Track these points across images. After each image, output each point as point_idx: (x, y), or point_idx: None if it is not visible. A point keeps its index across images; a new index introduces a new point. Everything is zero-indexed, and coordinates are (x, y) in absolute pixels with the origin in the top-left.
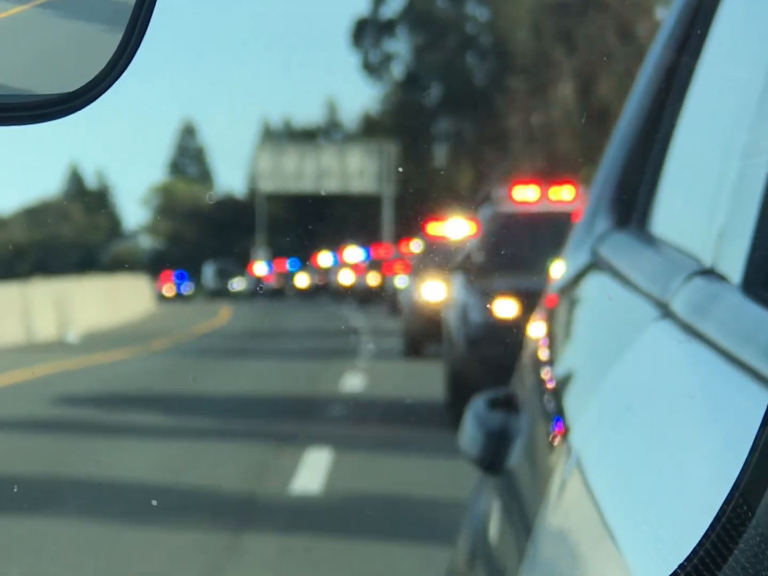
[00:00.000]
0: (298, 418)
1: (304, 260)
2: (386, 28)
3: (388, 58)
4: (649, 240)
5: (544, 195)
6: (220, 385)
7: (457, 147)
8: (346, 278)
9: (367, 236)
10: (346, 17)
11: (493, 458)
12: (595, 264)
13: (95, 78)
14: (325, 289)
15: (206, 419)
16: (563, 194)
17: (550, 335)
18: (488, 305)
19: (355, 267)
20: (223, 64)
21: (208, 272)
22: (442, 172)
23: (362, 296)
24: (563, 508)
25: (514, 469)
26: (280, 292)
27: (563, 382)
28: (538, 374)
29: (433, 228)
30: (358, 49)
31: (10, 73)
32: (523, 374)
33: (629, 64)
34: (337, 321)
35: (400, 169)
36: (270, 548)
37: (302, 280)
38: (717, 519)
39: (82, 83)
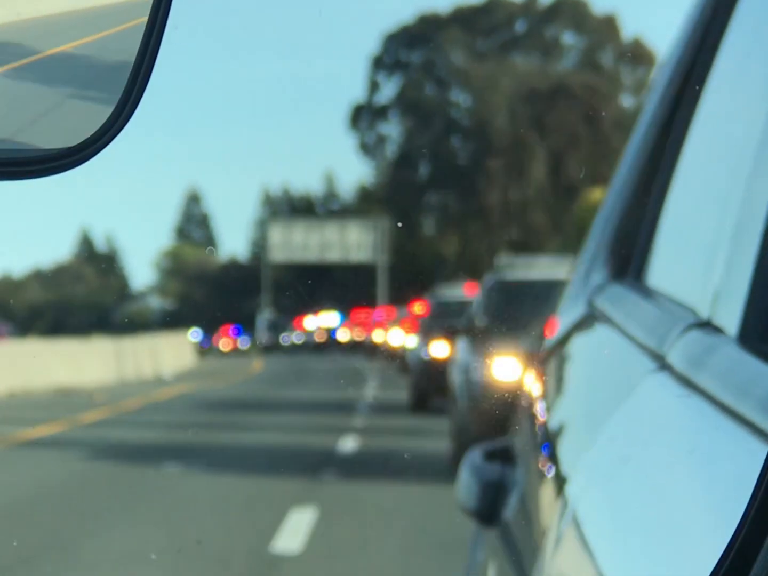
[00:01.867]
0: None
1: (347, 316)
2: (380, 113)
3: (381, 140)
4: (645, 292)
5: None
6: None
7: (444, 219)
8: (377, 336)
9: (367, 299)
10: (344, 103)
11: (489, 510)
12: (592, 316)
13: (94, 134)
14: (361, 345)
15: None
16: None
17: (546, 387)
18: (490, 366)
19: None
20: (227, 135)
21: (261, 326)
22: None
23: (389, 354)
24: (559, 562)
25: (510, 522)
26: (323, 345)
27: (559, 434)
28: (534, 426)
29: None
30: (355, 131)
31: (8, 128)
32: (520, 426)
33: (594, 146)
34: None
35: (400, 227)
36: None
37: (343, 335)
38: (714, 573)
39: (81, 139)
